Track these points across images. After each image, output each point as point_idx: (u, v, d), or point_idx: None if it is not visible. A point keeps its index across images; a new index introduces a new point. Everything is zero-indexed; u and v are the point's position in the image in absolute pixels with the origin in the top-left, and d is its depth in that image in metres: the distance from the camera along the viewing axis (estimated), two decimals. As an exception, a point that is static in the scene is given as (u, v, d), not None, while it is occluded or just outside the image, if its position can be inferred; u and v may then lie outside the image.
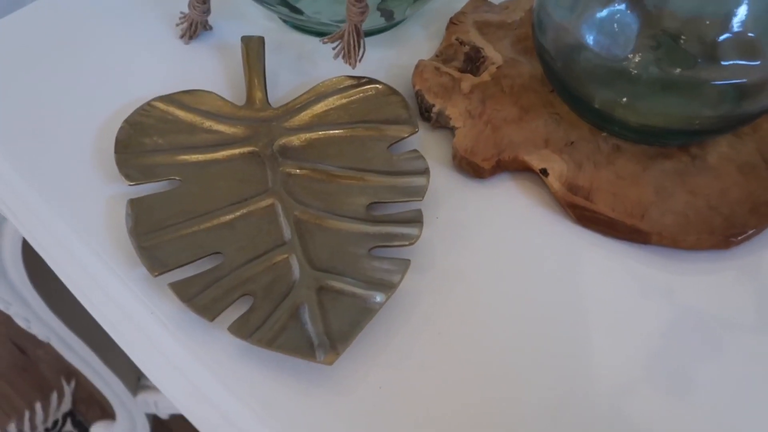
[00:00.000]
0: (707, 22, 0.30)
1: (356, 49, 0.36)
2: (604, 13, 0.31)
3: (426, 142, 0.37)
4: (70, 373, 0.94)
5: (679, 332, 0.29)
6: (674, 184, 0.32)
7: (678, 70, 0.31)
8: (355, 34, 0.36)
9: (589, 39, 0.31)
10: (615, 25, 0.31)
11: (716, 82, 0.30)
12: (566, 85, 0.33)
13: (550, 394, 0.27)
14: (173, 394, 0.28)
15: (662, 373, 0.27)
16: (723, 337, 0.28)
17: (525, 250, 0.32)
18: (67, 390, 0.93)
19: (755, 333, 0.29)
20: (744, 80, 0.30)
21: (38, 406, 0.92)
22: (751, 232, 0.31)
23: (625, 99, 0.32)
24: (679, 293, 0.30)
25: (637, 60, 0.31)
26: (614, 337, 0.29)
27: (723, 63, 0.30)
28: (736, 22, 0.29)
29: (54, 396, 0.93)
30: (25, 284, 0.51)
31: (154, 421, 0.83)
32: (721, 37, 0.30)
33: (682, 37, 0.31)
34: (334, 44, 0.37)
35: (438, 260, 0.31)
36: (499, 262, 0.31)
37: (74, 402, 0.93)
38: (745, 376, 0.27)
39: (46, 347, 0.74)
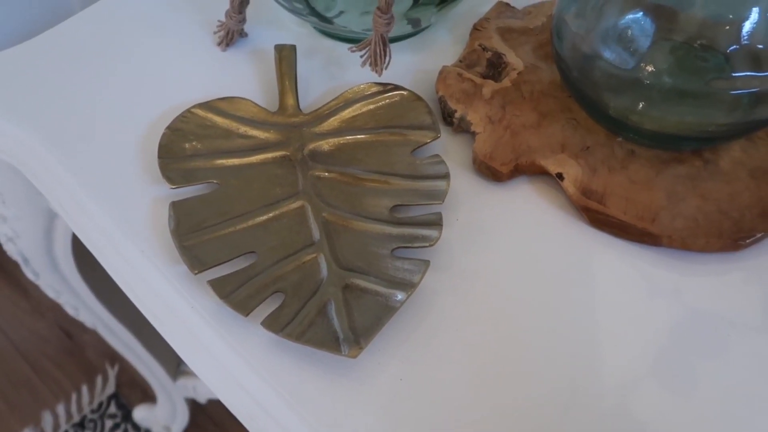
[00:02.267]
0: (718, 34, 0.31)
1: (382, 57, 0.38)
2: (618, 23, 0.32)
3: (448, 146, 0.38)
4: (114, 357, 0.99)
5: (686, 332, 0.30)
6: (686, 189, 0.33)
7: (690, 80, 0.32)
8: (381, 43, 0.38)
9: (604, 49, 0.32)
10: (629, 36, 0.32)
11: (728, 92, 0.31)
12: (582, 93, 0.35)
13: (560, 389, 0.29)
14: (211, 382, 0.31)
15: (669, 371, 0.29)
16: (729, 337, 0.30)
17: (540, 251, 0.33)
18: (111, 374, 0.98)
19: (761, 333, 0.30)
20: (756, 89, 0.31)
21: (84, 388, 0.97)
22: (759, 235, 0.32)
23: (639, 107, 0.33)
24: (687, 294, 0.31)
25: (650, 70, 0.32)
26: (623, 336, 0.30)
27: (734, 74, 0.31)
28: (746, 34, 0.30)
29: (99, 379, 0.97)
30: (75, 275, 0.55)
31: (193, 404, 0.87)
32: (731, 48, 0.31)
33: (695, 47, 0.32)
34: (362, 52, 0.39)
35: (457, 261, 0.33)
36: (514, 262, 0.33)
37: (118, 385, 0.97)
38: (751, 375, 0.29)
39: (92, 332, 0.78)
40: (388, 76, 0.42)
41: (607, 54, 0.32)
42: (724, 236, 0.32)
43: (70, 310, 0.62)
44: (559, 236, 0.34)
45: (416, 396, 0.29)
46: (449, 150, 0.38)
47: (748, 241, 0.32)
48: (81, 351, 1.03)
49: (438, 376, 0.29)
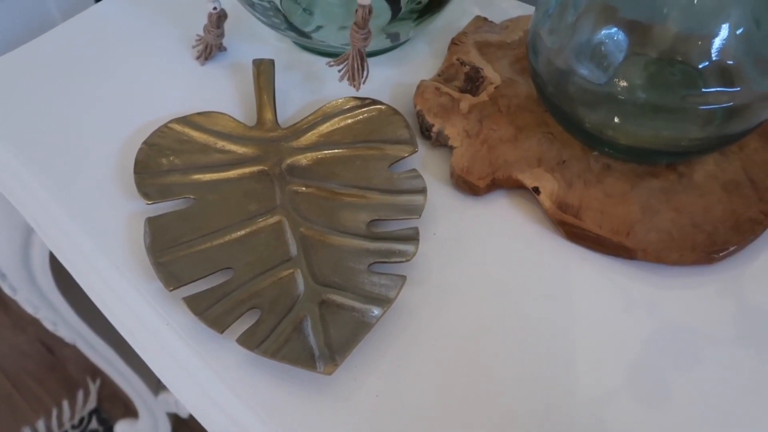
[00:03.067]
0: (691, 49, 0.31)
1: (360, 72, 0.38)
2: (591, 39, 0.32)
3: (427, 160, 0.39)
4: (96, 372, 0.98)
5: (660, 344, 0.30)
6: (660, 202, 0.34)
7: (664, 95, 0.32)
8: (358, 58, 0.38)
9: (578, 64, 0.33)
10: (602, 51, 0.32)
11: (701, 107, 0.32)
12: (557, 107, 0.35)
13: (536, 403, 0.29)
14: (186, 399, 0.31)
15: (643, 384, 0.29)
16: (703, 350, 0.30)
17: (517, 265, 0.33)
18: (93, 388, 0.96)
19: (734, 346, 0.30)
20: (729, 104, 0.32)
21: (65, 404, 0.95)
22: (732, 248, 0.32)
23: (613, 121, 0.33)
24: (662, 307, 0.32)
25: (623, 85, 0.32)
26: (598, 349, 0.30)
27: (705, 90, 0.31)
28: (716, 49, 0.31)
29: (80, 394, 0.96)
30: (53, 290, 0.54)
31: (175, 419, 0.86)
32: (703, 64, 0.31)
33: (668, 62, 0.32)
34: (340, 67, 0.39)
35: (434, 275, 0.33)
36: (491, 276, 0.33)
37: (99, 400, 0.96)
38: (724, 387, 0.29)
39: (73, 347, 0.77)
40: (366, 90, 0.42)
41: (581, 69, 0.33)
42: (698, 249, 0.32)
43: (48, 326, 0.61)
44: (536, 250, 0.34)
45: (392, 412, 0.29)
46: (427, 164, 0.38)
47: (721, 254, 0.32)
48: (62, 366, 1.02)
49: (414, 392, 0.29)
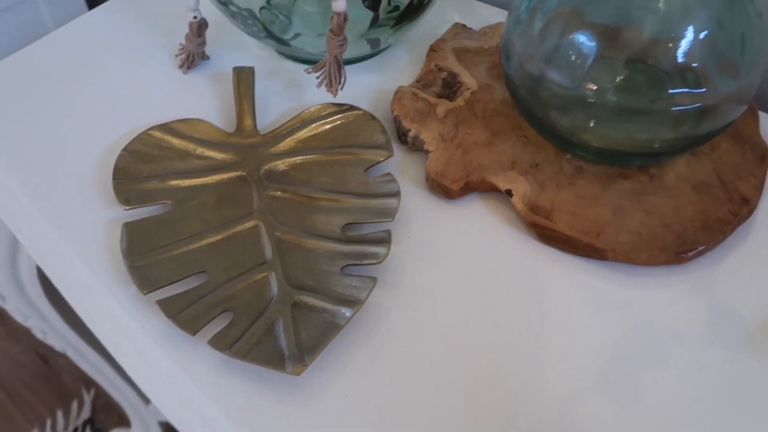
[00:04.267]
0: (658, 52, 0.32)
1: (337, 78, 0.39)
2: (561, 44, 0.33)
3: (403, 165, 0.39)
4: (89, 381, 0.98)
5: (630, 343, 0.30)
6: (631, 204, 0.34)
7: (634, 98, 0.32)
8: (335, 64, 0.39)
9: (548, 69, 0.33)
10: (571, 56, 0.33)
11: (670, 109, 0.32)
12: (530, 112, 0.35)
13: (507, 404, 0.29)
14: (160, 401, 0.31)
15: (613, 383, 0.29)
16: (672, 349, 0.30)
17: (490, 267, 0.34)
18: (87, 398, 0.96)
19: (703, 344, 0.30)
20: (697, 105, 0.32)
21: (59, 413, 0.95)
22: (701, 248, 0.32)
23: (585, 125, 0.34)
24: (632, 307, 0.32)
25: (593, 88, 0.33)
26: (569, 349, 0.30)
27: (671, 92, 0.31)
28: (682, 52, 0.31)
29: (74, 404, 0.96)
30: (41, 298, 0.55)
31: (167, 428, 0.86)
32: (671, 66, 0.31)
33: (637, 65, 0.33)
34: (318, 73, 0.40)
35: (407, 277, 0.33)
36: (464, 278, 0.33)
37: (93, 410, 0.96)
38: (693, 386, 0.29)
39: (67, 357, 0.77)
40: (347, 96, 0.43)
41: (551, 74, 0.33)
42: (667, 250, 0.32)
43: (38, 334, 0.61)
44: (509, 252, 0.34)
45: (362, 412, 0.29)
46: (404, 168, 0.39)
47: (690, 254, 0.32)
48: (57, 376, 1.02)
49: (384, 392, 0.29)
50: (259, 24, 0.40)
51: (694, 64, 0.31)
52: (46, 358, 1.04)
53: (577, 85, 0.33)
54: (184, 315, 0.31)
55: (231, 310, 0.31)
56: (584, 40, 0.32)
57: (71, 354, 0.63)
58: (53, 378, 1.02)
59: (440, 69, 0.42)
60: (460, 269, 0.34)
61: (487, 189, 0.36)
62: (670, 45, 0.31)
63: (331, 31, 0.37)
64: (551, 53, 0.33)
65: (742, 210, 0.34)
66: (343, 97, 0.43)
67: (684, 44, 0.31)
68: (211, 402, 0.29)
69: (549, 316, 0.32)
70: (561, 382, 0.29)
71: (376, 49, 0.45)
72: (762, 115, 0.41)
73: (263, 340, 0.30)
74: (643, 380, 0.29)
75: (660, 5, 0.31)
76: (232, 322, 0.31)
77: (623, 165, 0.36)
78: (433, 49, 0.44)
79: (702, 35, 0.31)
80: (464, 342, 0.31)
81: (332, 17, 0.37)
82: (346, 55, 0.44)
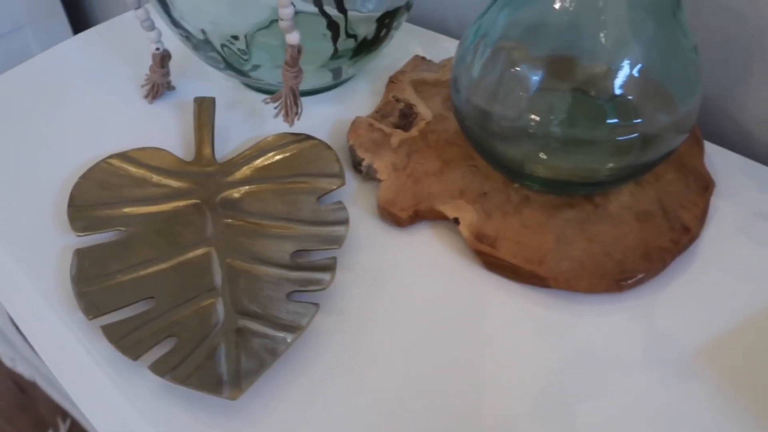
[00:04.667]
0: (596, 85, 0.33)
1: (293, 108, 0.40)
2: (503, 77, 0.34)
3: (358, 194, 0.40)
4: (65, 412, 0.97)
5: (568, 370, 0.31)
6: (574, 232, 0.35)
7: (574, 129, 0.33)
8: (291, 95, 0.39)
9: (491, 101, 0.34)
10: (514, 88, 0.34)
11: (613, 138, 0.33)
12: (477, 142, 0.36)
13: (446, 430, 0.29)
14: (102, 426, 0.31)
15: (548, 408, 0.29)
16: (608, 375, 0.31)
17: (436, 294, 0.34)
18: (63, 428, 0.96)
19: (640, 371, 0.31)
20: (635, 135, 0.33)
21: (34, 443, 0.94)
22: (640, 276, 0.33)
23: (529, 156, 0.34)
24: (573, 334, 0.32)
25: (537, 120, 0.34)
26: (508, 375, 0.31)
27: (609, 122, 0.32)
28: (618, 85, 0.32)
29: (50, 434, 0.95)
30: (7, 324, 0.55)
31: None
32: (607, 99, 0.32)
33: (579, 96, 0.33)
34: (275, 104, 0.41)
35: (354, 304, 0.34)
36: (410, 305, 0.34)
37: (68, 440, 0.95)
38: (627, 412, 0.29)
39: (37, 385, 0.77)
40: (308, 126, 0.44)
41: (495, 106, 0.34)
42: (607, 277, 0.33)
43: (7, 361, 0.61)
44: (455, 279, 0.35)
45: (301, 438, 0.29)
46: (358, 197, 0.39)
47: (630, 281, 0.33)
48: (33, 406, 1.01)
49: (323, 418, 0.29)
50: (219, 56, 0.41)
51: (629, 96, 0.32)
52: (24, 387, 1.04)
53: (520, 117, 0.33)
54: (127, 340, 0.31)
55: (175, 336, 0.31)
56: (526, 72, 0.33)
57: (40, 381, 0.63)
58: (30, 408, 1.01)
59: (398, 100, 0.43)
60: (406, 296, 0.34)
61: (436, 217, 0.37)
62: (608, 77, 0.32)
63: (286, 63, 0.38)
64: (495, 86, 0.34)
65: (682, 239, 0.34)
66: (304, 126, 0.44)
67: (620, 76, 0.32)
68: (151, 427, 0.30)
69: (491, 342, 0.32)
70: (499, 409, 0.29)
71: (338, 80, 0.46)
72: (709, 145, 0.42)
73: (204, 365, 0.30)
74: (578, 406, 0.29)
75: (597, 39, 0.32)
76: (175, 348, 0.31)
77: (569, 194, 0.36)
78: (392, 81, 0.45)
79: (637, 68, 0.32)
80: (405, 369, 0.31)
81: (287, 49, 0.38)
82: (309, 86, 0.45)
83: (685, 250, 0.35)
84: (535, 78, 0.33)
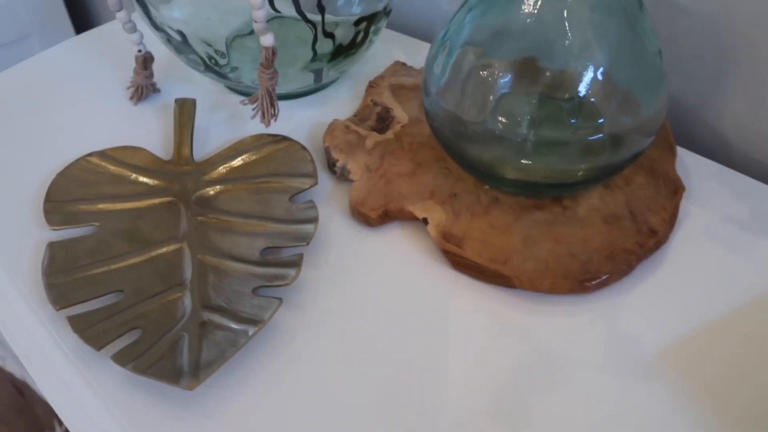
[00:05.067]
0: (560, 88, 0.33)
1: (269, 110, 0.40)
2: (470, 79, 0.34)
3: (332, 194, 0.40)
4: (60, 414, 0.97)
5: (528, 369, 0.31)
6: (541, 233, 0.35)
7: (538, 131, 0.34)
8: (268, 97, 0.40)
9: (460, 104, 0.34)
10: (481, 91, 0.34)
11: (574, 141, 0.33)
12: (447, 145, 0.36)
13: (403, 424, 0.29)
14: (68, 418, 0.31)
15: (505, 406, 0.30)
16: (568, 375, 0.31)
17: (402, 292, 0.34)
18: (59, 430, 0.96)
19: (599, 371, 0.31)
20: (599, 136, 0.33)
21: (28, 446, 0.95)
22: (604, 277, 0.33)
23: (497, 158, 0.35)
24: (534, 333, 0.32)
25: (504, 122, 0.34)
26: (468, 372, 0.31)
27: (574, 124, 0.33)
28: (581, 88, 0.32)
29: (44, 437, 0.96)
30: (-5, 323, 0.55)
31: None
32: (571, 101, 0.33)
33: (541, 100, 0.34)
34: (253, 105, 0.41)
35: (320, 300, 0.34)
36: (375, 302, 0.34)
37: (61, 443, 0.96)
38: (584, 411, 0.29)
39: (28, 385, 0.77)
40: (288, 127, 0.44)
41: (463, 109, 0.34)
42: (571, 277, 0.33)
43: (-3, 361, 0.62)
44: (422, 278, 0.35)
45: (257, 430, 0.29)
46: (332, 197, 0.40)
47: (593, 282, 0.33)
48: (31, 409, 1.02)
49: (281, 411, 0.30)
50: (199, 59, 0.42)
51: (592, 99, 0.32)
52: (22, 390, 1.04)
53: (487, 120, 0.34)
54: (91, 331, 0.31)
55: (141, 328, 0.32)
56: (491, 75, 0.34)
57: (30, 382, 0.64)
58: (27, 411, 1.02)
59: (375, 104, 0.44)
60: (372, 294, 0.34)
61: (406, 218, 0.37)
62: (571, 80, 0.33)
63: (261, 65, 0.39)
64: (461, 89, 0.34)
65: (648, 241, 0.34)
66: (285, 128, 0.45)
67: (583, 79, 0.32)
68: (112, 417, 0.30)
69: (453, 341, 0.32)
70: (456, 406, 0.30)
71: (320, 84, 0.47)
72: (685, 152, 0.42)
73: (166, 356, 0.30)
74: (535, 404, 0.30)
75: (561, 42, 0.32)
76: (139, 339, 0.31)
77: (538, 196, 0.37)
78: (371, 85, 0.46)
79: (600, 71, 0.32)
80: (366, 365, 0.31)
81: (262, 51, 0.38)
82: (292, 89, 0.45)
83: (652, 252, 0.35)
84: (501, 81, 0.34)
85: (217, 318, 0.32)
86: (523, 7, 0.32)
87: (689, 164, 0.41)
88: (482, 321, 0.33)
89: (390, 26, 0.61)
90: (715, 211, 0.38)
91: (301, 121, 0.46)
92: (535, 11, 0.32)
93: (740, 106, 0.43)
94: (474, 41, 0.34)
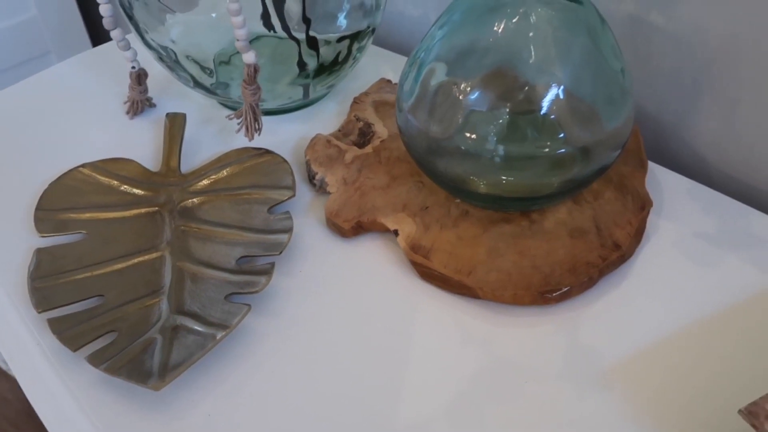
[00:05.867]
0: (524, 104, 0.34)
1: (254, 124, 0.42)
2: (438, 96, 0.35)
3: (311, 205, 0.42)
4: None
5: (486, 379, 0.32)
6: (506, 245, 0.36)
7: (505, 146, 0.35)
8: (251, 112, 0.42)
9: (429, 120, 0.35)
10: (448, 108, 0.35)
11: (539, 156, 0.34)
12: (418, 160, 0.38)
13: (363, 429, 0.30)
14: (45, 416, 0.33)
15: (462, 413, 0.30)
16: (525, 385, 0.31)
17: (370, 301, 0.35)
18: (64, 437, 0.98)
19: (556, 381, 0.31)
20: (561, 151, 0.34)
21: (37, 451, 0.97)
22: (565, 289, 0.34)
23: (465, 172, 0.36)
24: (496, 343, 0.33)
25: (472, 138, 0.35)
26: (427, 381, 0.32)
27: (537, 139, 0.34)
28: (544, 104, 0.33)
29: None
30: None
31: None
32: (533, 117, 0.34)
33: (509, 116, 0.35)
34: (239, 120, 0.43)
35: (291, 308, 0.35)
36: (344, 311, 0.35)
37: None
38: (538, 420, 0.30)
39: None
40: (275, 142, 0.46)
41: (431, 125, 0.35)
42: (532, 289, 0.34)
43: (1, 364, 0.64)
44: (391, 288, 0.36)
45: (221, 431, 0.30)
46: (311, 209, 0.41)
47: (555, 294, 0.34)
48: (40, 414, 1.04)
49: (246, 414, 0.31)
50: (187, 73, 0.44)
51: (552, 116, 0.33)
52: (32, 396, 1.06)
53: (455, 135, 0.35)
54: (69, 333, 0.33)
55: (117, 331, 0.33)
56: (459, 92, 0.35)
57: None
58: (36, 414, 1.04)
59: (358, 119, 0.45)
60: (342, 303, 0.35)
61: (379, 229, 0.38)
62: (534, 96, 0.34)
63: (244, 81, 0.40)
64: (430, 105, 0.35)
65: (612, 255, 0.35)
66: (271, 142, 0.46)
67: (545, 95, 0.33)
68: (84, 416, 0.31)
69: (416, 349, 0.33)
70: (413, 414, 0.30)
71: (307, 99, 0.49)
72: (659, 168, 0.43)
73: (137, 358, 0.32)
74: (491, 412, 0.30)
75: (526, 60, 0.34)
76: (114, 341, 0.33)
77: (507, 210, 0.38)
78: (355, 101, 0.47)
79: (561, 88, 0.33)
80: (329, 371, 0.32)
81: (244, 68, 0.40)
82: (282, 105, 0.47)
83: (615, 266, 0.35)
84: (469, 98, 0.35)
85: (189, 322, 0.33)
86: (490, 26, 0.34)
87: (663, 180, 0.42)
88: (446, 330, 0.34)
89: (382, 44, 0.62)
90: (684, 226, 0.39)
91: (288, 135, 0.47)
92: (501, 30, 0.34)
93: (716, 123, 0.43)
94: (442, 58, 0.35)
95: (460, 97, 0.35)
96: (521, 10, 0.33)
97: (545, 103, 0.33)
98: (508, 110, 0.34)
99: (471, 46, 0.34)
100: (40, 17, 1.04)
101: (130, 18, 0.42)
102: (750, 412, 0.25)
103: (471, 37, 0.34)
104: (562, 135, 0.33)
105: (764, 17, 0.38)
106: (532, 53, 0.33)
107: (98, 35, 1.20)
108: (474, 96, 0.35)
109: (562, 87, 0.33)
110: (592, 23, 0.34)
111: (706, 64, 0.42)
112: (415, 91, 0.36)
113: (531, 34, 0.34)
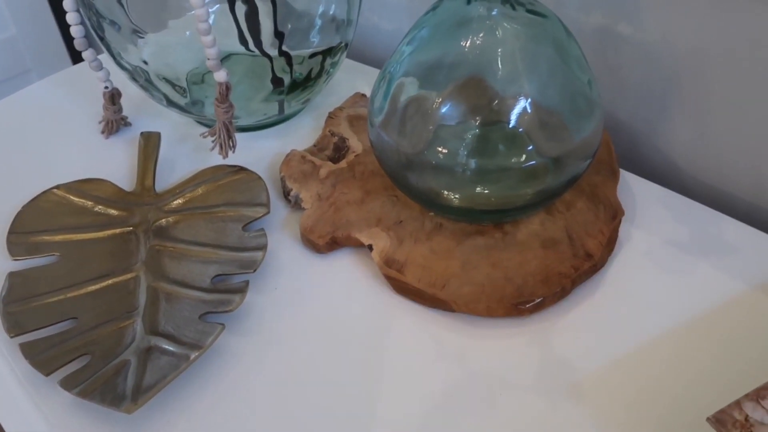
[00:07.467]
0: (493, 118, 0.34)
1: (227, 142, 0.42)
2: (407, 111, 0.36)
3: (286, 222, 0.42)
4: None
5: (460, 391, 0.32)
6: (480, 258, 0.36)
7: (475, 160, 0.35)
8: (225, 130, 0.42)
9: (399, 135, 0.36)
10: (417, 122, 0.35)
11: (509, 168, 0.34)
12: (391, 175, 0.38)
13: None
14: (18, 440, 0.33)
15: (436, 425, 0.30)
16: (499, 396, 0.31)
17: (346, 317, 0.35)
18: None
19: (530, 392, 0.31)
20: (531, 163, 0.34)
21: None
22: (538, 300, 0.34)
23: (437, 185, 0.36)
24: (471, 356, 0.33)
25: (443, 152, 0.35)
26: (403, 393, 0.32)
27: (504, 151, 0.34)
28: (512, 118, 0.34)
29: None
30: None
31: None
32: (502, 130, 0.34)
33: (478, 129, 0.35)
34: (212, 138, 0.43)
35: (265, 325, 0.35)
36: (320, 327, 0.35)
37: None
38: (513, 430, 0.30)
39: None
40: (248, 159, 0.46)
41: (402, 139, 0.36)
42: (505, 301, 0.34)
43: None
44: (366, 303, 0.36)
45: (197, 453, 0.30)
46: (286, 225, 0.41)
47: (528, 305, 0.34)
48: None
49: (223, 434, 0.31)
50: (160, 93, 0.44)
51: (520, 129, 0.34)
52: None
53: (424, 150, 0.35)
54: (42, 357, 0.33)
55: (90, 354, 0.33)
56: (429, 107, 0.35)
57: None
58: None
59: (333, 134, 0.45)
60: (317, 319, 0.35)
61: (353, 244, 0.39)
62: (503, 109, 0.34)
63: (216, 99, 0.40)
64: (400, 120, 0.36)
65: (584, 264, 0.35)
66: (246, 159, 0.46)
67: (513, 108, 0.34)
68: (58, 440, 0.31)
69: (392, 364, 0.33)
70: (389, 429, 0.30)
71: (283, 115, 0.49)
72: (633, 177, 0.43)
73: (110, 381, 0.32)
74: (464, 422, 0.30)
75: (494, 74, 0.34)
76: (87, 365, 0.33)
77: (479, 222, 0.38)
78: (330, 116, 0.47)
79: (528, 101, 0.33)
80: (304, 387, 0.32)
81: (216, 86, 0.40)
82: (257, 121, 0.47)
83: (588, 276, 0.36)
84: (438, 112, 0.35)
85: (163, 343, 0.33)
86: (457, 41, 0.34)
87: (636, 189, 0.42)
88: (421, 344, 0.34)
89: (358, 58, 0.63)
90: (657, 234, 0.39)
91: (264, 152, 0.47)
92: (468, 45, 0.34)
93: (687, 131, 0.44)
94: (411, 74, 0.35)
95: (430, 112, 0.35)
96: (487, 24, 0.34)
97: (513, 116, 0.34)
98: (477, 124, 0.35)
99: (439, 61, 0.35)
100: (19, 36, 1.04)
101: (102, 39, 0.42)
102: (717, 420, 0.25)
103: (439, 53, 0.35)
104: (531, 147, 0.34)
105: (729, 30, 0.39)
106: (500, 67, 0.34)
107: (78, 53, 1.20)
108: (443, 110, 0.35)
109: (529, 100, 0.34)
110: (557, 36, 0.34)
111: (674, 74, 0.42)
112: (385, 107, 0.36)
113: (498, 48, 0.34)
